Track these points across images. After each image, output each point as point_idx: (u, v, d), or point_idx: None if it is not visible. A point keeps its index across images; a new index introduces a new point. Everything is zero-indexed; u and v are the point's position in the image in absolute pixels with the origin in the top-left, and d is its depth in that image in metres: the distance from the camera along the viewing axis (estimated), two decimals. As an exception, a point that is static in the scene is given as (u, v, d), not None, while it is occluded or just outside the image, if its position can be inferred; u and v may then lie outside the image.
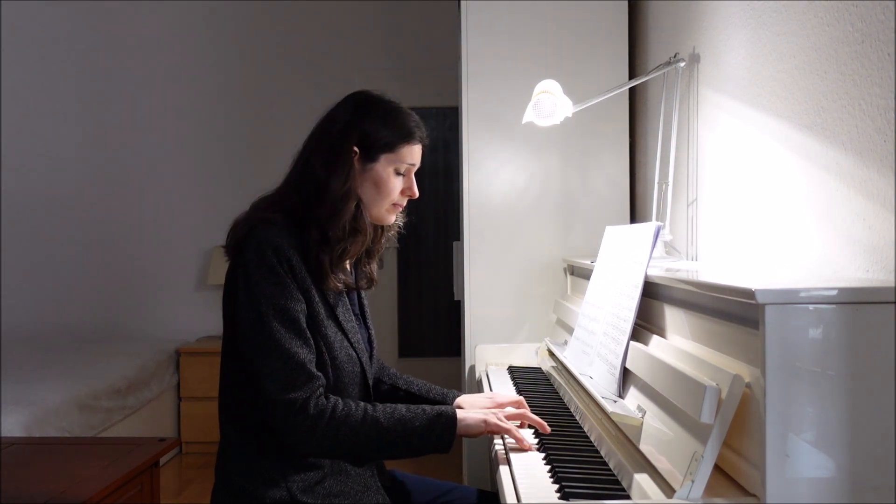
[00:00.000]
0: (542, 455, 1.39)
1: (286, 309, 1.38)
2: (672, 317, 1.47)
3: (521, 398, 1.61)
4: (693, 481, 1.03)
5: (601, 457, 1.38)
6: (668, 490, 1.10)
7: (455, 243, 2.87)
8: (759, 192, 1.66)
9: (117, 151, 4.59)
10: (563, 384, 1.87)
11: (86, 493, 1.76)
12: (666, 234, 2.04)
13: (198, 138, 4.58)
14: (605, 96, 2.17)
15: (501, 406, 1.57)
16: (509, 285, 2.53)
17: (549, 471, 1.30)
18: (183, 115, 4.58)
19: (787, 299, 1.00)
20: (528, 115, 2.12)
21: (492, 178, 2.54)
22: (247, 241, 1.41)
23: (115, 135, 4.59)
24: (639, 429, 1.30)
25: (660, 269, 1.59)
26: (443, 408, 1.45)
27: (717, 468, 1.09)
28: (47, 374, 3.39)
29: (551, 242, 2.54)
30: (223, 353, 1.49)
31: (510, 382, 2.08)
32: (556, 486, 1.22)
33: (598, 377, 1.62)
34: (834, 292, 1.00)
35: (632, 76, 2.55)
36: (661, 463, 1.17)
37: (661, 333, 1.50)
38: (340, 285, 1.48)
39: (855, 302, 1.00)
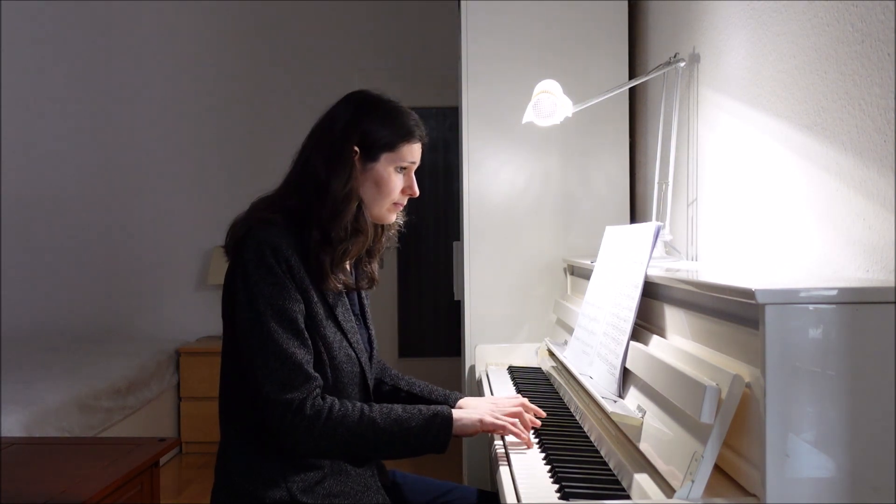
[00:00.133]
0: (542, 455, 1.39)
1: (284, 309, 1.38)
2: (672, 317, 1.47)
3: (524, 399, 1.60)
4: (693, 481, 1.03)
5: (601, 457, 1.38)
6: (668, 490, 1.10)
7: (455, 243, 2.87)
8: (760, 192, 1.66)
9: (117, 151, 4.59)
10: (563, 384, 1.87)
11: (86, 493, 1.76)
12: (666, 234, 2.04)
13: (198, 138, 4.59)
14: (605, 96, 2.17)
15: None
16: (509, 285, 2.53)
17: (549, 471, 1.30)
18: (183, 115, 4.58)
19: (787, 299, 1.00)
20: (528, 115, 2.12)
21: (492, 178, 2.54)
22: (245, 241, 1.41)
23: (115, 135, 4.59)
24: (639, 429, 1.30)
25: (660, 269, 1.59)
26: (439, 407, 1.45)
27: (717, 468, 1.09)
28: (47, 374, 3.39)
29: (551, 242, 2.54)
30: (223, 354, 1.49)
31: (510, 382, 2.08)
32: (556, 486, 1.22)
33: (598, 377, 1.62)
34: (834, 292, 1.00)
35: (632, 76, 2.55)
36: (660, 463, 1.17)
37: (661, 333, 1.50)
38: (340, 286, 1.48)
39: (855, 302, 1.00)
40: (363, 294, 1.64)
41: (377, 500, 1.48)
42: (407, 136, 1.50)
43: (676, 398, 1.17)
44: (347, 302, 1.54)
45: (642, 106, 2.56)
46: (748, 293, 1.01)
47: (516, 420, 1.49)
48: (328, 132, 1.48)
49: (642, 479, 1.15)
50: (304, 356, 1.38)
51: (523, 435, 1.44)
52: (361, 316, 1.61)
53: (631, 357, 1.49)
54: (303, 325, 1.40)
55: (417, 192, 1.54)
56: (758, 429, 1.01)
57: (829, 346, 1.00)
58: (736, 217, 1.79)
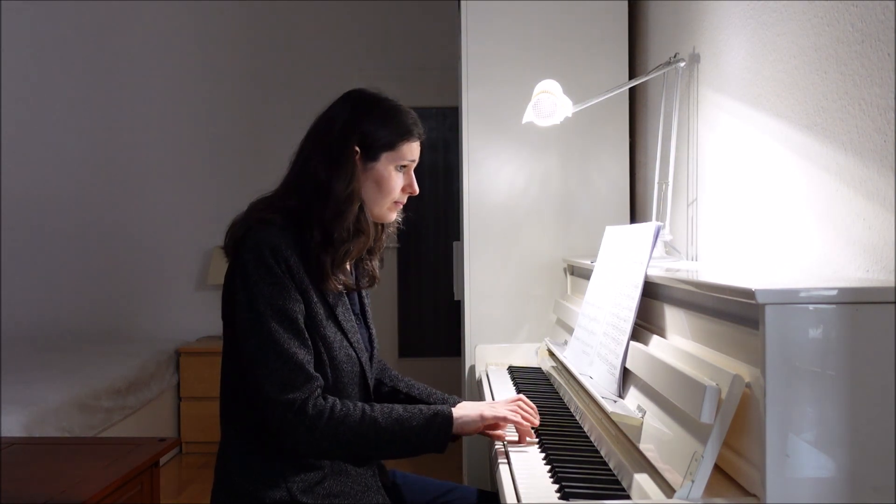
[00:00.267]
0: (542, 455, 1.39)
1: (284, 309, 1.38)
2: (672, 317, 1.47)
3: (522, 396, 1.60)
4: (693, 481, 1.03)
5: (601, 457, 1.38)
6: (668, 490, 1.10)
7: (455, 243, 2.87)
8: (759, 191, 1.66)
9: (117, 151, 4.59)
10: (563, 384, 1.87)
11: (86, 493, 1.76)
12: (666, 234, 2.04)
13: (198, 138, 4.59)
14: (605, 96, 2.17)
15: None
16: (509, 285, 2.53)
17: (549, 471, 1.30)
18: (183, 115, 4.58)
19: (787, 299, 1.00)
20: (528, 115, 2.12)
21: (492, 178, 2.54)
22: (245, 241, 1.41)
23: (115, 135, 4.59)
24: (639, 429, 1.30)
25: (660, 269, 1.59)
26: (439, 407, 1.45)
27: (717, 468, 1.09)
28: (47, 374, 3.39)
29: (551, 242, 2.54)
30: (223, 354, 1.49)
31: (510, 382, 2.08)
32: (556, 486, 1.22)
33: (598, 377, 1.62)
34: (834, 292, 1.00)
35: (632, 76, 2.55)
36: (660, 463, 1.17)
37: (661, 333, 1.50)
38: (340, 286, 1.48)
39: (855, 302, 1.00)
40: (363, 293, 1.64)
41: (377, 500, 1.48)
42: (406, 135, 1.50)
43: (676, 398, 1.17)
44: (347, 301, 1.54)
45: (642, 106, 2.56)
46: (748, 293, 1.01)
47: (515, 406, 1.50)
48: (327, 132, 1.48)
49: (642, 479, 1.15)
50: (305, 356, 1.38)
51: (524, 424, 1.44)
52: (362, 315, 1.61)
53: (631, 357, 1.49)
54: (303, 325, 1.40)
55: (417, 190, 1.54)
56: (758, 429, 1.01)
57: (829, 346, 0.99)
58: (736, 217, 1.79)
